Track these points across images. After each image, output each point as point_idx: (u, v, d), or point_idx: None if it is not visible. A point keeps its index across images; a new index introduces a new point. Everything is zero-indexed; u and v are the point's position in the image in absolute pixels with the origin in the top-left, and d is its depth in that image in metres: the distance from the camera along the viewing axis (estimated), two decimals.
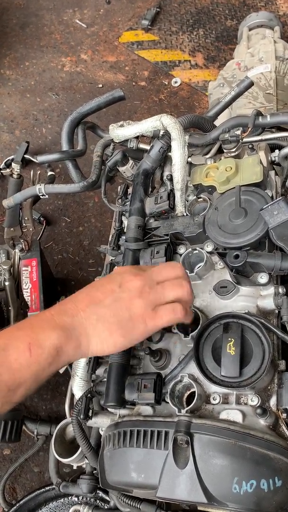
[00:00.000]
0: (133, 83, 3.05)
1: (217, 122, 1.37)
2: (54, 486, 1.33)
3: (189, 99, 2.94)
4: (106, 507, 1.29)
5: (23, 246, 1.77)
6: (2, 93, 3.08)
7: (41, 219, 2.46)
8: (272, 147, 1.19)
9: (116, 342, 0.76)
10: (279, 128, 1.36)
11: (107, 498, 1.26)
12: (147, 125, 1.17)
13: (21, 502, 1.58)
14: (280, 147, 1.17)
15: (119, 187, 1.26)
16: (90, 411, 0.96)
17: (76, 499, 1.47)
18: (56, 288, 2.29)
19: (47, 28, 3.40)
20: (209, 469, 0.78)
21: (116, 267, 0.88)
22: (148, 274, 0.83)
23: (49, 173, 2.39)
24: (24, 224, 1.79)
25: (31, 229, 1.80)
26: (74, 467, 1.26)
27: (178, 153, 1.11)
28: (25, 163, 2.52)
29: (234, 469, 0.77)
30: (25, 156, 2.46)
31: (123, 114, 2.88)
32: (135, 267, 0.89)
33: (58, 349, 0.71)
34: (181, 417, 0.82)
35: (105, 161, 1.25)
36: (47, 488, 1.58)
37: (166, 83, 3.02)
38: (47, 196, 1.27)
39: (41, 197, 1.27)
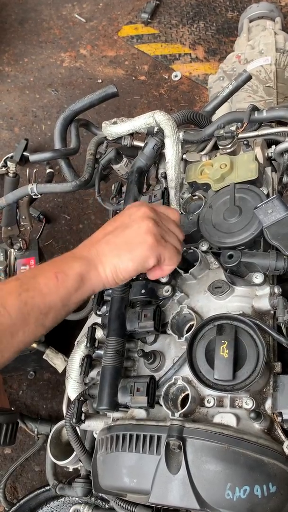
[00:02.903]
0: (133, 78, 3.01)
1: (216, 117, 1.34)
2: None
3: (190, 93, 2.90)
4: (106, 506, 1.28)
5: (21, 245, 1.76)
6: (1, 90, 3.06)
7: (41, 217, 2.44)
8: (270, 143, 1.16)
9: (127, 267, 0.81)
10: (279, 122, 1.32)
11: (107, 497, 1.25)
12: (141, 122, 1.15)
13: (22, 501, 1.57)
14: (277, 143, 1.14)
15: (113, 185, 1.24)
16: (83, 414, 0.95)
17: (76, 498, 1.46)
18: None
19: (46, 24, 3.37)
20: (202, 475, 0.76)
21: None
22: (157, 215, 0.88)
23: (48, 170, 2.37)
24: (21, 223, 1.78)
25: (28, 227, 1.79)
26: (70, 469, 1.25)
27: (171, 151, 1.08)
28: (24, 160, 2.50)
29: (227, 475, 0.75)
30: (24, 153, 2.45)
31: (123, 110, 2.85)
32: (144, 204, 0.92)
33: (82, 276, 0.79)
34: (174, 421, 0.81)
35: (99, 159, 1.23)
36: (48, 487, 1.57)
37: (166, 77, 2.98)
38: (39, 196, 1.25)
39: (33, 196, 1.26)
